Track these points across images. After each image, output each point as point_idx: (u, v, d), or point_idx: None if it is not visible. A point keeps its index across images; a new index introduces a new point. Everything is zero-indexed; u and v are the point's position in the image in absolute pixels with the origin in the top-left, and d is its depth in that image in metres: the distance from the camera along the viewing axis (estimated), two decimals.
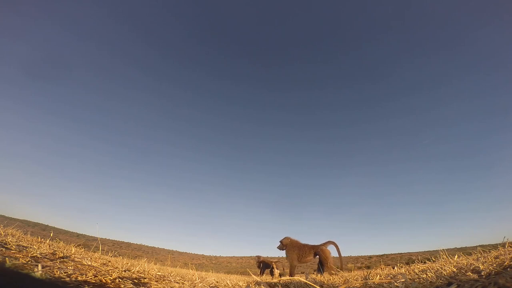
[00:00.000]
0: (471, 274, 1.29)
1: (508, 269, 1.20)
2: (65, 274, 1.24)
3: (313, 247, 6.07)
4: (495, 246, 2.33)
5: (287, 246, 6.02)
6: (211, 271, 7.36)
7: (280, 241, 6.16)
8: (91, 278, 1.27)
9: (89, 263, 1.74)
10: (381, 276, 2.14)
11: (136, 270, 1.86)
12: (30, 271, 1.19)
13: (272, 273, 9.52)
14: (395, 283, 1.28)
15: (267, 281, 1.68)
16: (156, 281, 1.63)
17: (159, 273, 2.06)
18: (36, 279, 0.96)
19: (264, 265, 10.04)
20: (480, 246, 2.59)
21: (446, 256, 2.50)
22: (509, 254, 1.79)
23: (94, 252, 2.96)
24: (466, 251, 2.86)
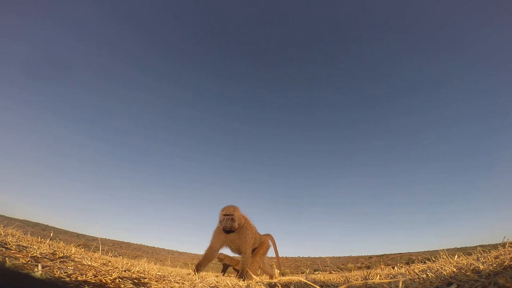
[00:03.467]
0: (471, 274, 1.29)
1: (508, 269, 1.20)
2: (65, 274, 1.24)
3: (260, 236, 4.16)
4: (495, 246, 2.33)
5: (243, 226, 3.56)
6: (211, 271, 7.35)
7: (229, 215, 3.43)
8: (91, 278, 1.27)
9: (89, 263, 1.74)
10: (381, 276, 2.14)
11: (136, 270, 1.85)
12: (30, 271, 1.19)
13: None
14: (395, 283, 1.28)
15: (267, 281, 1.67)
16: (156, 281, 1.63)
17: (159, 273, 2.06)
18: (36, 279, 0.96)
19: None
20: (480, 246, 2.59)
21: (446, 256, 2.50)
22: (509, 254, 1.79)
23: (94, 252, 2.96)
24: (466, 251, 2.86)
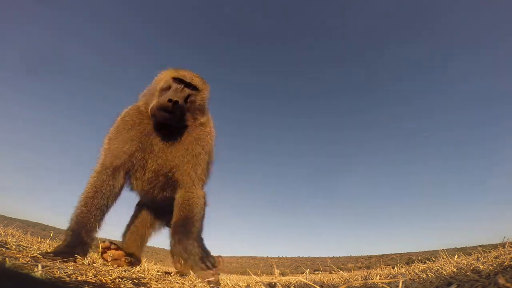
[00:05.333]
0: (471, 274, 1.29)
1: (508, 269, 1.19)
2: (65, 274, 1.24)
3: None
4: (495, 246, 2.32)
5: (205, 128, 1.79)
6: None
7: (188, 85, 1.63)
8: (91, 278, 1.27)
9: (89, 263, 1.74)
10: (381, 276, 2.13)
11: (136, 270, 1.85)
12: (30, 271, 1.19)
13: None
14: (395, 283, 1.28)
15: (267, 281, 1.67)
16: (156, 281, 1.63)
17: (159, 273, 2.06)
18: (36, 279, 0.96)
19: None
20: (480, 246, 2.59)
21: (446, 256, 2.49)
22: (509, 254, 1.78)
23: (94, 252, 2.95)
24: (466, 251, 2.85)
